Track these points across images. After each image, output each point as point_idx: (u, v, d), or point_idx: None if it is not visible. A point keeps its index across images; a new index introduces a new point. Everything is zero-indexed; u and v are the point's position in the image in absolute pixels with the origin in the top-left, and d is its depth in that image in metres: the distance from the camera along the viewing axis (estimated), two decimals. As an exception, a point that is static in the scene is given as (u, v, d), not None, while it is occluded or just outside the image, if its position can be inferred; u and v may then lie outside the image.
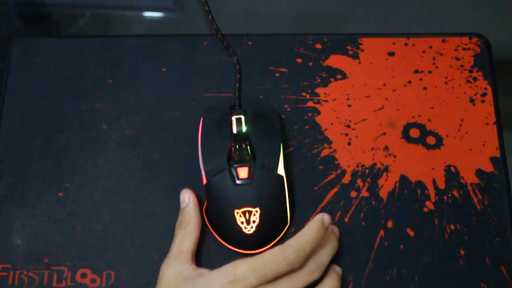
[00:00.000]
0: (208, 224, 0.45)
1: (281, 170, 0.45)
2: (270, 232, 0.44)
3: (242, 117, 0.46)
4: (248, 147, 0.45)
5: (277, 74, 0.52)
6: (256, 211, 0.43)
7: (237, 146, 0.45)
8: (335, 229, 0.44)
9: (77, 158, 0.48)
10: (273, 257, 0.38)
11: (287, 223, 0.45)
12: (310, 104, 0.50)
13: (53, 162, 0.48)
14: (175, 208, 0.46)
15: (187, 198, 0.45)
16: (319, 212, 0.46)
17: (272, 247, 0.44)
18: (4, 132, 0.50)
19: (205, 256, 0.45)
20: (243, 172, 0.44)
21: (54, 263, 0.44)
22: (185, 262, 0.41)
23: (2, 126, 0.50)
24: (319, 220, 0.40)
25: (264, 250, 0.44)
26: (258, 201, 0.43)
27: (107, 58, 0.52)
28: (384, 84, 0.51)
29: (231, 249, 0.44)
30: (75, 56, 0.52)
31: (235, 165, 0.44)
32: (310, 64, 0.52)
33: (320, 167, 0.48)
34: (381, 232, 0.46)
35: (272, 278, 0.39)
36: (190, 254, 0.42)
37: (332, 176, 0.48)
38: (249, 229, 0.43)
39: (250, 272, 0.38)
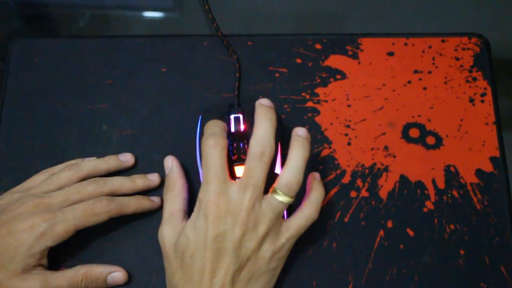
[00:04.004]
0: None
1: (278, 170, 0.45)
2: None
3: (241, 116, 0.46)
4: (246, 146, 0.45)
5: (277, 74, 0.52)
6: None
7: (235, 145, 0.45)
8: (262, 101, 0.43)
9: (77, 158, 0.48)
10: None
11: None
12: (309, 104, 0.50)
13: (53, 162, 0.48)
14: (175, 208, 0.46)
15: (170, 163, 0.46)
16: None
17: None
18: (4, 132, 0.50)
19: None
20: (240, 171, 0.44)
21: (54, 263, 0.44)
22: (177, 221, 0.42)
23: (2, 126, 0.50)
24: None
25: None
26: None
27: (107, 58, 0.52)
28: (384, 84, 0.51)
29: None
30: (75, 56, 0.52)
31: (232, 164, 0.44)
32: (310, 64, 0.52)
33: (320, 167, 0.48)
34: (381, 232, 0.46)
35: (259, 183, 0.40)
36: (182, 213, 0.43)
37: (332, 176, 0.48)
38: None
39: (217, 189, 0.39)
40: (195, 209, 0.40)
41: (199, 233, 0.39)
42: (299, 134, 0.42)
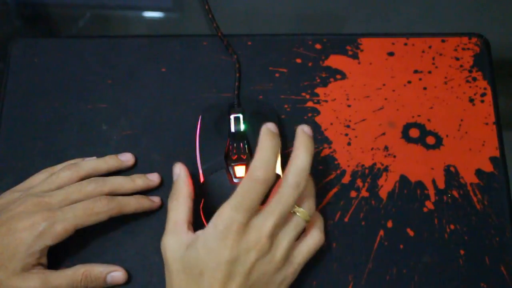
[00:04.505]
0: (205, 222, 0.45)
1: (278, 169, 0.45)
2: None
3: (241, 116, 0.46)
4: (246, 146, 0.45)
5: (277, 74, 0.52)
6: None
7: (235, 145, 0.45)
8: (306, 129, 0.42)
9: (77, 158, 0.48)
10: (246, 185, 0.38)
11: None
12: (309, 104, 0.51)
13: (53, 162, 0.48)
14: (175, 208, 0.46)
15: (179, 170, 0.44)
16: (319, 212, 0.46)
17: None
18: (4, 132, 0.50)
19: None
20: (240, 171, 0.44)
21: (54, 263, 0.44)
22: (182, 232, 0.41)
23: (2, 126, 0.50)
24: (268, 131, 0.39)
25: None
26: None
27: (107, 58, 0.52)
28: (384, 84, 0.51)
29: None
30: (75, 56, 0.52)
31: (232, 164, 0.44)
32: (310, 64, 0.52)
33: (320, 167, 0.48)
34: (381, 232, 0.46)
35: (257, 206, 0.38)
36: (186, 223, 0.41)
37: (332, 176, 0.48)
38: None
39: (234, 213, 0.38)
40: (211, 224, 0.39)
41: (212, 252, 0.38)
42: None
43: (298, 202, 0.40)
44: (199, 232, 0.40)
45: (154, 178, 0.47)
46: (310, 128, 0.41)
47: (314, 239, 0.42)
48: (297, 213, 0.40)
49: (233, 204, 0.38)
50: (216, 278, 0.38)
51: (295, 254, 0.41)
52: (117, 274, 0.44)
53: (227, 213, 0.38)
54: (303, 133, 0.40)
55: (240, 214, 0.38)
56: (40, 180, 0.46)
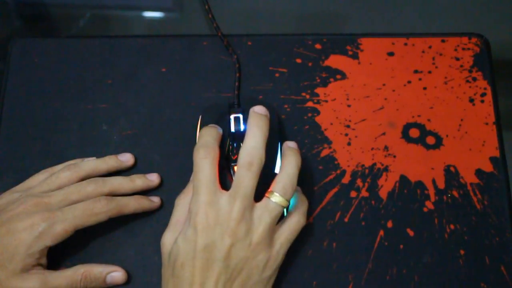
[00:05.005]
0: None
1: (278, 169, 0.45)
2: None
3: (241, 116, 0.46)
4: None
5: (277, 74, 0.52)
6: None
7: (235, 145, 0.45)
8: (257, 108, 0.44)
9: (77, 158, 0.48)
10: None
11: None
12: (309, 104, 0.50)
13: (53, 162, 0.48)
14: (175, 208, 0.46)
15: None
16: (319, 212, 0.46)
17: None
18: (4, 132, 0.50)
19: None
20: None
21: (54, 263, 0.44)
22: (181, 229, 0.41)
23: (2, 126, 0.50)
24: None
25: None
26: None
27: (107, 58, 0.52)
28: (384, 84, 0.51)
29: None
30: (75, 56, 0.52)
31: (232, 164, 0.44)
32: (310, 64, 0.52)
33: (320, 167, 0.48)
34: (381, 232, 0.46)
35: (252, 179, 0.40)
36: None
37: (332, 176, 0.48)
38: None
39: (202, 197, 0.40)
40: (186, 219, 0.40)
41: (189, 243, 0.39)
42: (290, 145, 0.43)
43: (273, 185, 0.41)
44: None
45: (153, 178, 0.47)
46: (262, 108, 0.43)
47: (293, 220, 0.42)
48: (270, 198, 0.40)
49: (232, 193, 0.40)
50: (195, 266, 0.39)
51: (276, 236, 0.41)
52: (117, 274, 0.44)
53: (196, 201, 0.40)
54: (253, 113, 0.42)
55: (205, 196, 0.39)
56: (39, 180, 0.46)
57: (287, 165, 0.42)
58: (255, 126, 0.42)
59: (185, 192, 0.44)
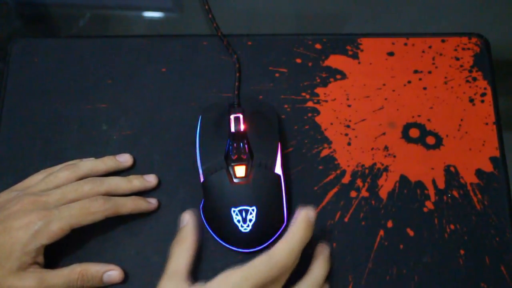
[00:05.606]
0: (205, 223, 0.45)
1: (278, 169, 0.45)
2: (266, 231, 0.44)
3: (241, 116, 0.46)
4: (246, 146, 0.45)
5: (277, 74, 0.52)
6: (253, 210, 0.43)
7: (235, 145, 0.45)
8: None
9: (77, 158, 0.48)
10: (264, 265, 0.38)
11: (283, 222, 0.45)
12: (309, 104, 0.50)
13: (53, 162, 0.48)
14: (175, 208, 0.46)
15: (188, 218, 0.43)
16: (319, 212, 0.46)
17: (268, 246, 0.44)
18: (4, 132, 0.50)
19: (205, 256, 0.45)
20: (240, 171, 0.44)
21: (53, 262, 0.44)
22: (180, 281, 0.40)
23: (2, 126, 0.50)
24: (305, 219, 0.40)
25: (260, 250, 0.44)
26: (255, 200, 0.44)
27: (107, 58, 0.52)
28: (384, 84, 0.51)
29: (229, 249, 0.45)
30: (75, 56, 0.52)
31: (232, 164, 0.44)
32: (310, 64, 0.52)
33: (320, 167, 0.48)
34: (381, 232, 0.46)
35: (266, 284, 0.39)
36: (186, 272, 0.41)
37: (332, 176, 0.48)
38: (245, 228, 0.43)
39: (244, 282, 0.38)
40: (215, 283, 0.38)
41: None
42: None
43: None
44: (199, 285, 0.39)
45: (151, 179, 0.47)
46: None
47: None
48: None
49: (245, 274, 0.38)
50: None
51: None
52: (114, 273, 0.44)
53: (236, 279, 0.38)
54: (323, 248, 0.43)
55: (248, 286, 0.38)
56: (38, 180, 0.46)
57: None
58: (323, 260, 0.43)
59: (180, 239, 0.42)
